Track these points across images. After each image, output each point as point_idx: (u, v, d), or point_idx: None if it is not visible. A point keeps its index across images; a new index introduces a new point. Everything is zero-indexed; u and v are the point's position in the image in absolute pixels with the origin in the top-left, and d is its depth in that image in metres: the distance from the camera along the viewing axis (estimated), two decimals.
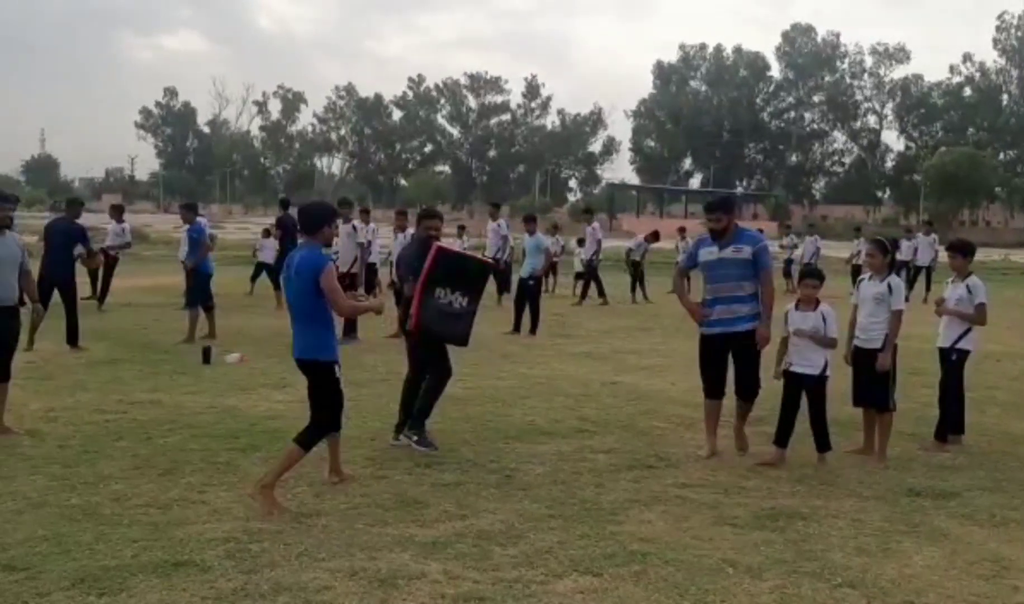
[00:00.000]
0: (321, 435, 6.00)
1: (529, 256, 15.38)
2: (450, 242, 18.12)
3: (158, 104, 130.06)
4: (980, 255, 9.23)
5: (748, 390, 7.29)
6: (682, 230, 26.18)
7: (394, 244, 17.33)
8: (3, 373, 7.58)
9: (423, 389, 7.42)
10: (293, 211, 18.83)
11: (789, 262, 25.67)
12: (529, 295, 14.92)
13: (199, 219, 14.33)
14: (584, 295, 20.83)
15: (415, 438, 7.25)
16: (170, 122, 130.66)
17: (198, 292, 13.23)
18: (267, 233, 20.95)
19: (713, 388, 7.33)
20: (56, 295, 11.81)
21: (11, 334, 7.68)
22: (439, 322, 7.30)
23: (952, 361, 7.86)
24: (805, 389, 7.22)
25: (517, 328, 14.73)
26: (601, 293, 20.67)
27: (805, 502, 6.20)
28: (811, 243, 25.65)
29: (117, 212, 18.76)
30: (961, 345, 7.83)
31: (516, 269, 17.92)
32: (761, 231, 9.08)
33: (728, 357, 7.24)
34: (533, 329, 14.76)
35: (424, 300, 7.22)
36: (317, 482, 6.30)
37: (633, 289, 21.88)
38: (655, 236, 23.42)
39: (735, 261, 7.09)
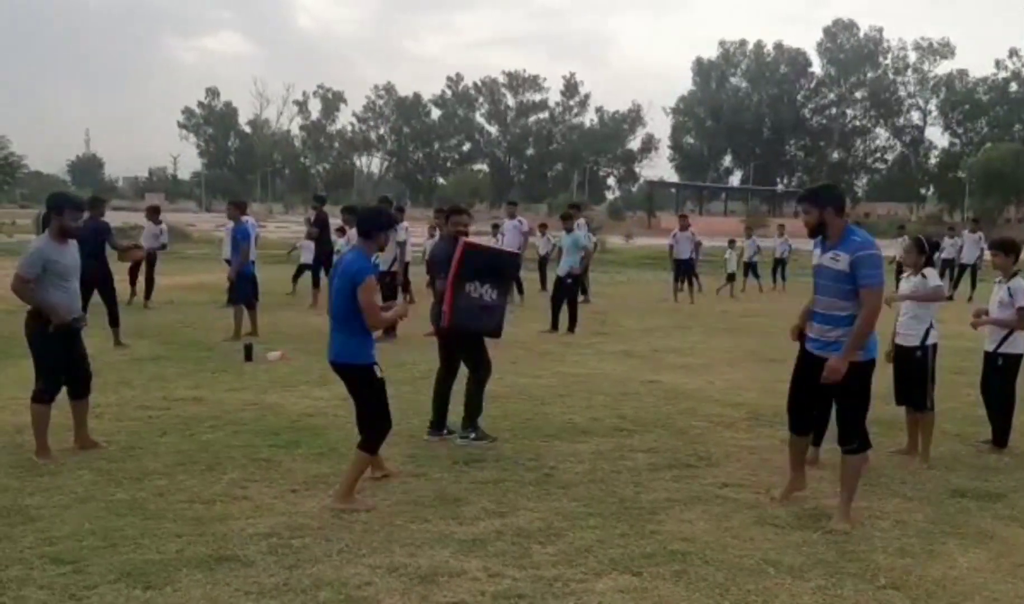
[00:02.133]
0: (379, 437, 5.91)
1: (567, 254, 15.32)
2: (488, 240, 18.22)
3: (200, 104, 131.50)
4: None
5: (843, 435, 5.77)
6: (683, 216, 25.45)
7: (427, 243, 17.47)
8: (76, 389, 7.05)
9: (468, 389, 7.52)
10: (326, 207, 19.00)
11: None
12: (567, 293, 14.90)
13: (245, 219, 14.03)
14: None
15: (472, 435, 7.42)
16: (212, 122, 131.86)
17: (241, 289, 13.33)
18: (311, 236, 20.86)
19: (797, 419, 6.07)
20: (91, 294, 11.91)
21: (80, 345, 7.04)
22: (472, 317, 7.35)
23: (998, 366, 7.65)
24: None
25: (555, 326, 14.71)
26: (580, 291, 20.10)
27: None
28: None
29: (154, 213, 18.59)
30: (1005, 349, 7.61)
31: (553, 267, 17.89)
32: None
33: (820, 387, 5.76)
34: (571, 327, 14.74)
35: (456, 296, 7.29)
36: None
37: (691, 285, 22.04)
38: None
39: (831, 272, 5.60)
